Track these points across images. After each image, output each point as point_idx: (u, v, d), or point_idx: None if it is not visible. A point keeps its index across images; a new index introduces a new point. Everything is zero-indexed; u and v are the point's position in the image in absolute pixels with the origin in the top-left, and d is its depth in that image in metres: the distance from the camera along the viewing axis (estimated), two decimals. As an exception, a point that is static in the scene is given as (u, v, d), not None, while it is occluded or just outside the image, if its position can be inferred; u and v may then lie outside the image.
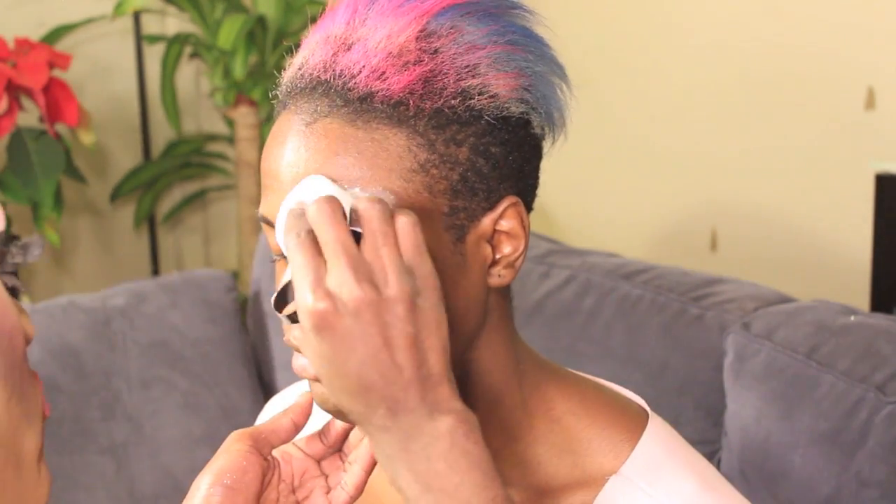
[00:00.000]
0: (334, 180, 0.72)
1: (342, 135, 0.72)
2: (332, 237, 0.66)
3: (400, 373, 0.66)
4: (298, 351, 0.74)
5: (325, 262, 0.66)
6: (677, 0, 2.35)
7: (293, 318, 0.72)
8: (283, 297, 0.73)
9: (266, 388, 1.82)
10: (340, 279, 0.65)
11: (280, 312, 0.73)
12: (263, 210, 0.76)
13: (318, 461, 0.81)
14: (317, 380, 0.74)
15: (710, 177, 2.31)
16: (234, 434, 0.78)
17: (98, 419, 1.69)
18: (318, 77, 0.74)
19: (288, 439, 0.79)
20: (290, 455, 0.80)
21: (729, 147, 2.27)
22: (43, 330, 1.69)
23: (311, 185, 0.71)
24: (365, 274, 0.65)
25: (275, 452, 0.80)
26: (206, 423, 1.74)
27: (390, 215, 0.67)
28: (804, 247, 2.15)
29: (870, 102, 2.01)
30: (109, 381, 1.70)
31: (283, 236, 0.68)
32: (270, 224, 0.75)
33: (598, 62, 2.48)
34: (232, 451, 0.77)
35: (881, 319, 1.31)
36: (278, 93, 0.78)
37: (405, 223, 0.67)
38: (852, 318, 1.30)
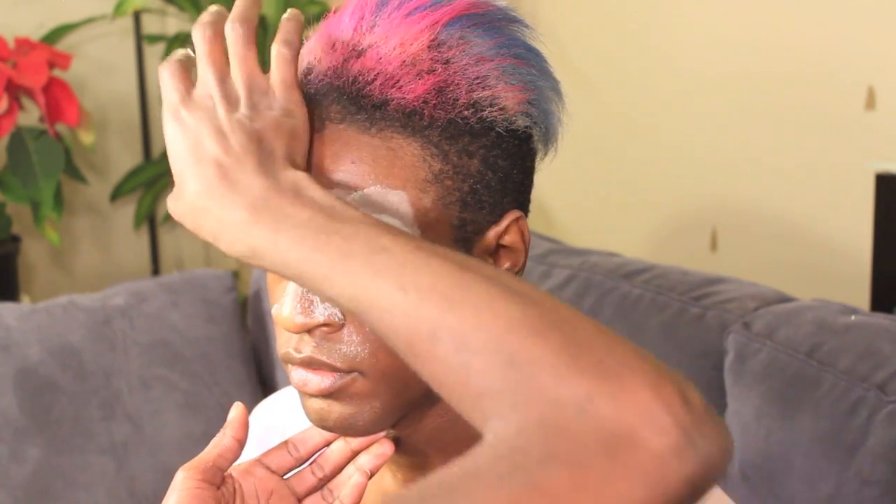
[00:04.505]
0: (349, 187, 0.71)
1: (357, 142, 0.71)
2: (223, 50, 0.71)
3: (234, 149, 0.67)
4: (292, 364, 0.74)
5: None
6: (677, 0, 2.35)
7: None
8: None
9: (266, 388, 1.82)
10: (201, 80, 0.69)
11: None
12: None
13: (284, 475, 0.79)
14: (316, 395, 0.74)
15: (710, 177, 2.32)
16: (182, 471, 0.76)
17: (98, 419, 1.69)
18: (329, 83, 0.73)
19: (235, 458, 0.77)
20: (251, 471, 0.79)
21: (729, 147, 2.27)
22: (43, 330, 1.69)
23: None
24: (220, 78, 0.69)
25: (233, 471, 0.78)
26: (206, 423, 1.74)
27: (251, 41, 0.71)
28: (804, 247, 2.15)
29: (870, 102, 2.01)
30: (109, 381, 1.70)
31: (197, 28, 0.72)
32: None
33: (598, 62, 2.48)
34: (183, 489, 0.75)
35: (881, 319, 1.31)
36: None
37: (278, 54, 0.71)
38: (853, 317, 1.30)
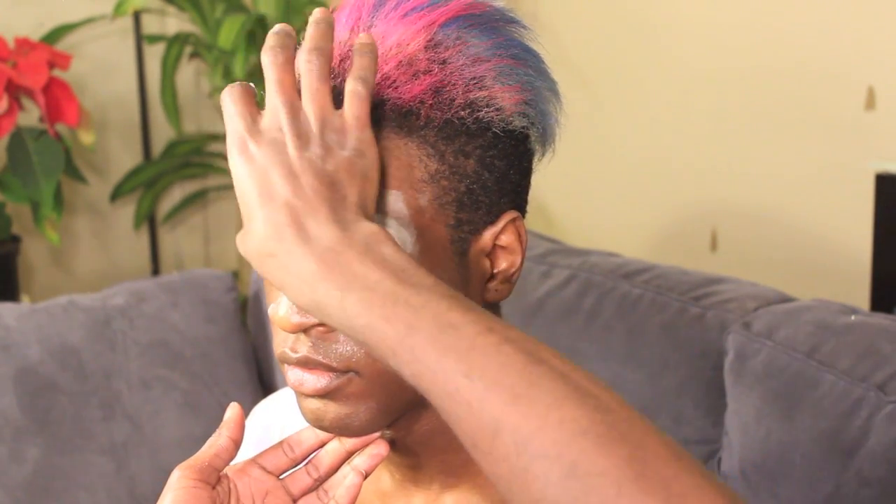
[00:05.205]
0: None
1: None
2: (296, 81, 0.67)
3: (305, 192, 0.64)
4: (289, 364, 0.74)
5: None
6: (677, 0, 2.35)
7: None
8: None
9: (266, 388, 1.82)
10: (271, 111, 0.66)
11: None
12: None
13: (279, 476, 0.79)
14: (312, 396, 0.74)
15: (710, 177, 2.32)
16: (178, 470, 0.75)
17: (98, 419, 1.69)
18: None
19: (231, 458, 0.77)
20: (246, 471, 0.78)
21: (729, 147, 2.27)
22: (43, 330, 1.69)
23: None
24: (292, 111, 0.66)
25: (229, 471, 0.78)
26: (206, 423, 1.74)
27: (326, 75, 0.67)
28: (804, 247, 2.15)
29: (870, 102, 2.01)
30: (109, 381, 1.70)
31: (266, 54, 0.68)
32: None
33: (597, 62, 2.48)
34: (178, 488, 0.74)
35: (881, 319, 1.30)
36: None
37: (352, 91, 0.67)
38: (853, 317, 1.30)
